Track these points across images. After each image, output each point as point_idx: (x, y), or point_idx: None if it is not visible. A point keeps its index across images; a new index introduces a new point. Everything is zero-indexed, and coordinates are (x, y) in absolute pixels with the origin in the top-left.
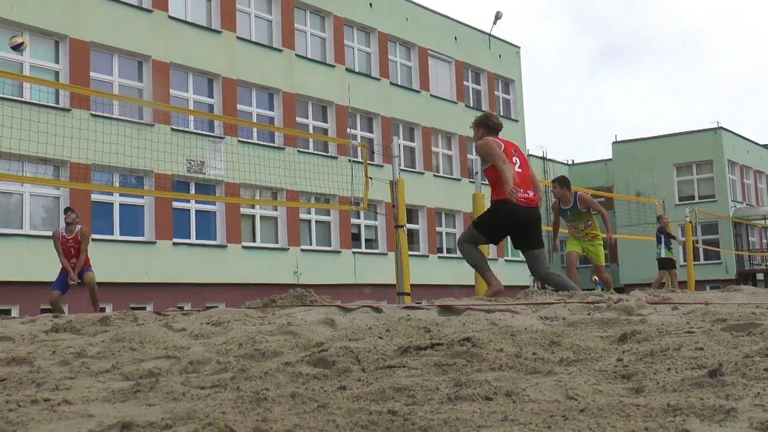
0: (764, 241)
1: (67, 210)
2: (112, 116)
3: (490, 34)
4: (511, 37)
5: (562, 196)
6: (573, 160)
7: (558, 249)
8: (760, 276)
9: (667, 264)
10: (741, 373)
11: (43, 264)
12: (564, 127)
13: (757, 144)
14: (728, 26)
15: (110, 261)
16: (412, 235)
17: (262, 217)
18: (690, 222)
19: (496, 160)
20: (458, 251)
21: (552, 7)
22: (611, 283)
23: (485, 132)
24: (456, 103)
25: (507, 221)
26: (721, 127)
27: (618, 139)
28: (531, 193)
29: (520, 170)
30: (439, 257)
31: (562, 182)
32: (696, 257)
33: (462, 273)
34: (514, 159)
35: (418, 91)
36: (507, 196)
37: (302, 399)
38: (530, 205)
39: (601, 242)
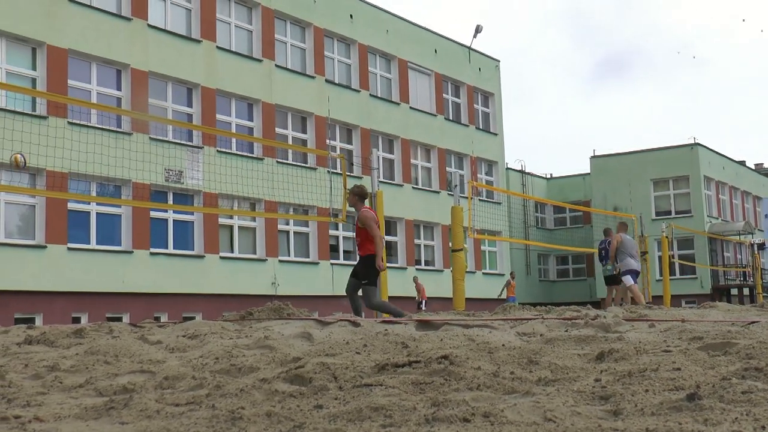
0: (738, 256)
1: None
2: (89, 124)
3: (470, 48)
4: (492, 50)
5: None
6: (551, 174)
7: None
8: (734, 291)
9: (613, 280)
10: (719, 396)
11: (17, 273)
12: (543, 141)
13: (732, 160)
14: (711, 43)
15: (86, 270)
16: (391, 247)
17: (240, 228)
18: (666, 237)
19: (375, 232)
20: (373, 310)
21: (533, 22)
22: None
23: (359, 200)
24: (435, 115)
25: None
26: (698, 143)
27: (596, 154)
28: None
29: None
30: (417, 269)
31: None
32: (672, 272)
33: (440, 286)
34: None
35: (398, 104)
36: (376, 263)
37: (278, 418)
38: None
39: None
